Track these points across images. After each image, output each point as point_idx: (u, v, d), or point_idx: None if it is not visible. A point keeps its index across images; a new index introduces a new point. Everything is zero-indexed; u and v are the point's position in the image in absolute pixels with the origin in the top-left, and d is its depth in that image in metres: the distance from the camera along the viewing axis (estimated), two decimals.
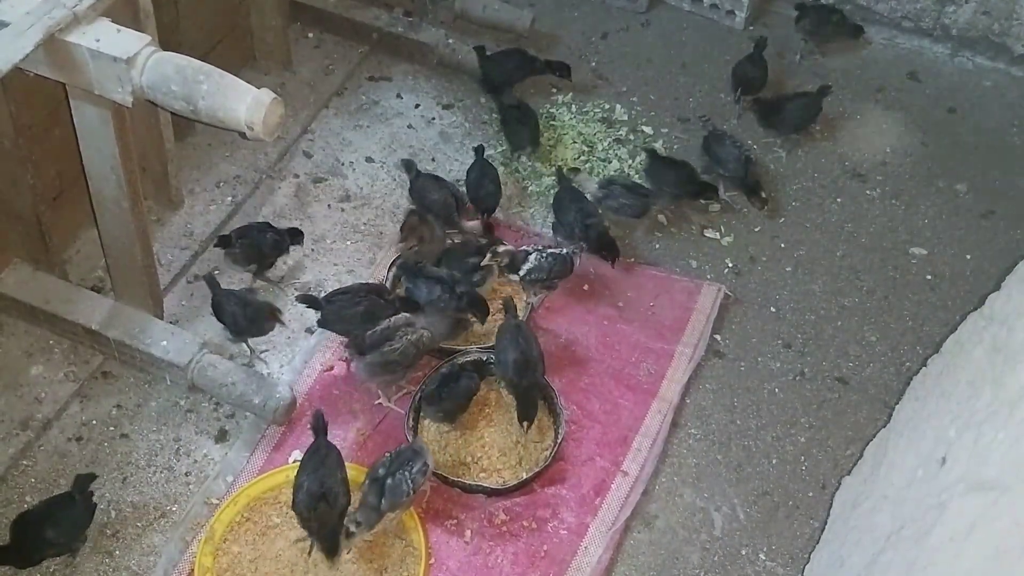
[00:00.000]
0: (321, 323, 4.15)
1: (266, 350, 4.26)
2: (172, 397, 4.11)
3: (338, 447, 3.67)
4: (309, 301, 4.14)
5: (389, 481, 3.60)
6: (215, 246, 4.41)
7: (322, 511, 3.49)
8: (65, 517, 3.59)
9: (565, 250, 4.37)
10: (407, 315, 4.08)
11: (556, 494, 3.93)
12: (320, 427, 3.65)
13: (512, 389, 4.03)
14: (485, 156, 4.82)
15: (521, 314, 4.31)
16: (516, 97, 5.11)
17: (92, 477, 3.72)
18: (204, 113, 3.31)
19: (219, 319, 4.13)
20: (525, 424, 3.96)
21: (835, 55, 5.64)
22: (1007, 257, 4.54)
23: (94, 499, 3.69)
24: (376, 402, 4.11)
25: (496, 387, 4.19)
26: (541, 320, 4.42)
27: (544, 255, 4.30)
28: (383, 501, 3.58)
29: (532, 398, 3.99)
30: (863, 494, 3.56)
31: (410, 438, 3.92)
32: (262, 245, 4.32)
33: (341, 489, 3.55)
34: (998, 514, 2.42)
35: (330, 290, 4.31)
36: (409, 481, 3.62)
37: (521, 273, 4.27)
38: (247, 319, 4.07)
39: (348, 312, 4.08)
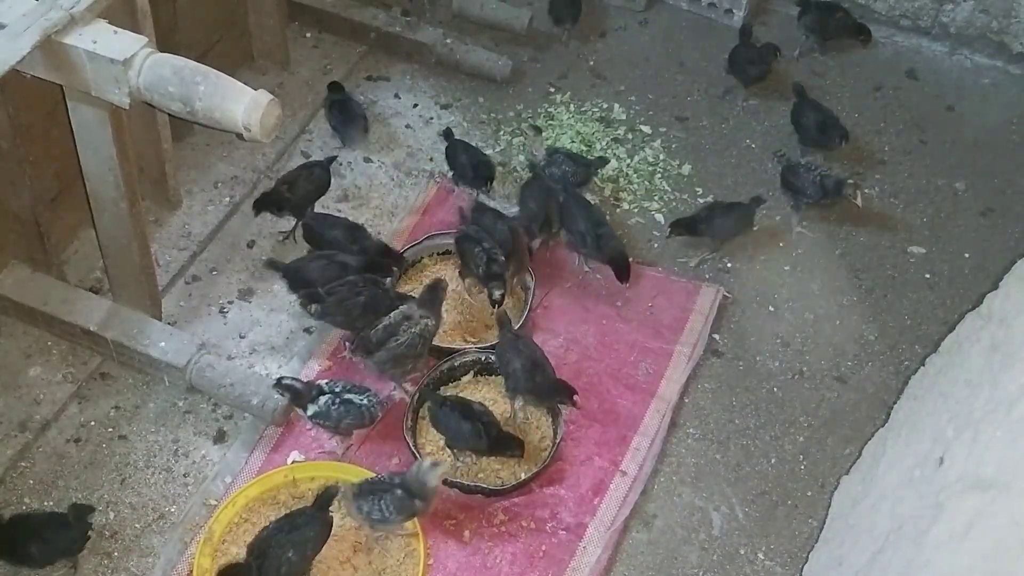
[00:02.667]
0: (320, 315, 4.12)
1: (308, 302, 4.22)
2: (170, 398, 4.11)
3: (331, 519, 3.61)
4: (310, 296, 4.11)
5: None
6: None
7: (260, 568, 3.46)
8: (54, 539, 3.55)
9: (365, 400, 3.90)
10: (404, 309, 4.07)
11: (555, 494, 3.92)
12: (325, 501, 3.58)
13: (532, 396, 4.01)
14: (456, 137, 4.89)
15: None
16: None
17: (91, 510, 3.67)
18: (201, 114, 3.31)
19: None
20: (576, 399, 3.98)
21: (834, 53, 5.63)
22: (1006, 256, 4.54)
23: (90, 531, 3.64)
24: (392, 391, 4.12)
25: (497, 389, 4.19)
26: (539, 320, 4.42)
27: (336, 402, 3.86)
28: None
29: (558, 386, 3.99)
30: (862, 493, 3.56)
31: (408, 439, 3.92)
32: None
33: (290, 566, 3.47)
34: (996, 513, 2.42)
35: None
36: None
37: (308, 413, 3.88)
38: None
39: (348, 303, 4.07)
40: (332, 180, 4.83)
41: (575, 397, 3.96)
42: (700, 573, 3.80)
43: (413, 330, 3.98)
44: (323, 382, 3.93)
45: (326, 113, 5.07)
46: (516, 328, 4.25)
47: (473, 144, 4.91)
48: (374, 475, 3.70)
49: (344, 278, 4.12)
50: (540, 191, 4.57)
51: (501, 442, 3.88)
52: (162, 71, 3.31)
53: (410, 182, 4.92)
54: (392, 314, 4.04)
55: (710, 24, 5.77)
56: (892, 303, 4.63)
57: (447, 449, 3.95)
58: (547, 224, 4.54)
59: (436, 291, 4.11)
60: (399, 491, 3.56)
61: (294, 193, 4.51)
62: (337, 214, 4.64)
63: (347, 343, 4.22)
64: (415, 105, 5.27)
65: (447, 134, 4.91)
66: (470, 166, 4.75)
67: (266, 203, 4.51)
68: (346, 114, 4.96)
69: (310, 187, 4.56)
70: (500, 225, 4.34)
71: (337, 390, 3.87)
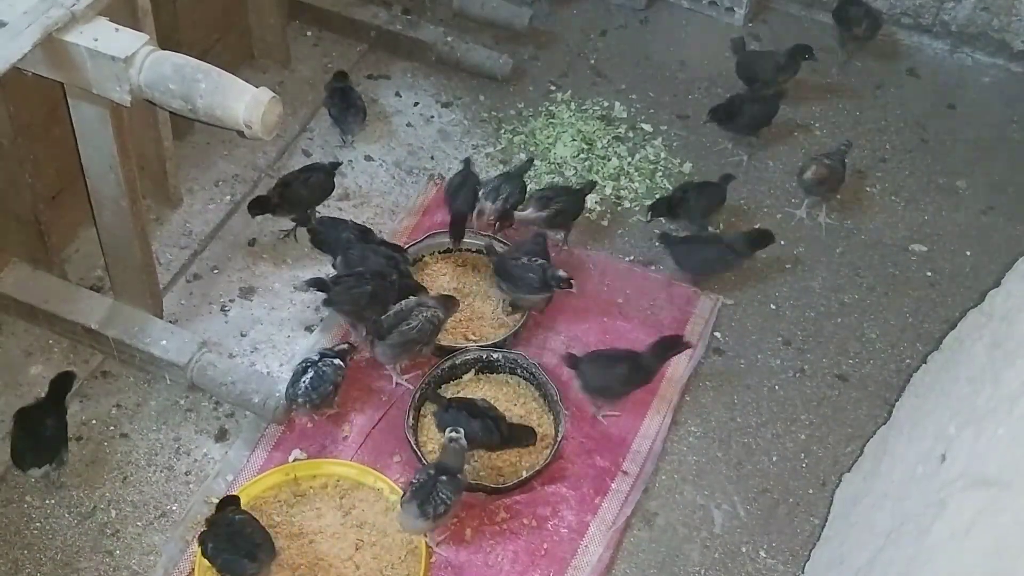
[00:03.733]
0: (327, 303, 4.14)
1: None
2: (172, 396, 4.10)
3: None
4: (318, 284, 4.13)
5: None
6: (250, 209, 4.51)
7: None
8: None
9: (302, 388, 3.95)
10: (416, 298, 4.12)
11: (556, 492, 3.92)
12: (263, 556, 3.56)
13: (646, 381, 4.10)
14: (471, 167, 4.72)
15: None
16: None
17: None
18: (202, 112, 3.31)
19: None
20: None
21: (832, 52, 5.62)
22: (1007, 253, 4.54)
23: None
24: (395, 382, 4.16)
25: (498, 387, 4.20)
26: (541, 317, 4.42)
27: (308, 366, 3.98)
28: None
29: (666, 346, 4.09)
30: (863, 491, 3.56)
31: (410, 437, 3.92)
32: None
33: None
34: (998, 511, 2.41)
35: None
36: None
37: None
38: None
39: (356, 291, 4.08)
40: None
41: (683, 339, 4.17)
42: (702, 571, 3.79)
43: (424, 315, 4.02)
44: (321, 358, 3.99)
45: (326, 100, 5.06)
46: (516, 328, 4.29)
47: (476, 179, 4.66)
48: (412, 482, 3.65)
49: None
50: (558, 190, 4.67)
51: (514, 434, 3.89)
52: (163, 69, 3.30)
53: (411, 180, 4.92)
54: (403, 301, 4.09)
55: (711, 22, 5.77)
56: (893, 301, 4.63)
57: None
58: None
59: (452, 300, 4.19)
60: (444, 476, 3.59)
61: (285, 198, 4.47)
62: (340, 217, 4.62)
63: (366, 334, 4.21)
64: (416, 103, 5.26)
65: (465, 163, 4.75)
66: (449, 206, 4.62)
67: (259, 206, 4.48)
68: (345, 102, 4.97)
69: (305, 191, 4.51)
70: (532, 276, 4.24)
71: (317, 362, 3.96)
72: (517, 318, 4.34)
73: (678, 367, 4.29)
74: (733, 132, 5.12)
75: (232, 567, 3.50)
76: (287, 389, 3.96)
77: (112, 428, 4.01)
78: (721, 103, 5.07)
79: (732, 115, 5.01)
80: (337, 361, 3.99)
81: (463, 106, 5.28)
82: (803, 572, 3.74)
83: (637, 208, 4.89)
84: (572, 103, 5.31)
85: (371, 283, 4.09)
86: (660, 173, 5.03)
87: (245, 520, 3.56)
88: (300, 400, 3.93)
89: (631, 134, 5.20)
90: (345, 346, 4.11)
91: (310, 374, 3.93)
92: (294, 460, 3.93)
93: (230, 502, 3.61)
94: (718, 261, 4.54)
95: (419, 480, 3.62)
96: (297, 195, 4.50)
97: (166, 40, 4.12)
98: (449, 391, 4.11)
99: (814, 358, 4.41)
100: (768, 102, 5.07)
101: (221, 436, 4.02)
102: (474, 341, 4.31)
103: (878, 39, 5.58)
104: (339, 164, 4.79)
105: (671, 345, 4.10)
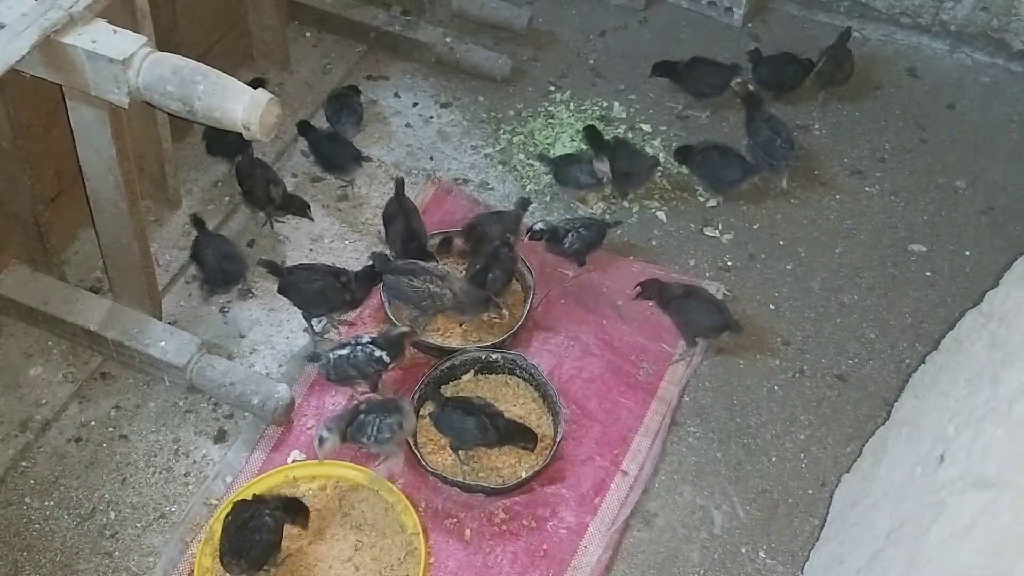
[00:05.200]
0: (280, 290, 4.24)
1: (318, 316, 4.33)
2: (171, 398, 4.11)
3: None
4: (271, 267, 4.24)
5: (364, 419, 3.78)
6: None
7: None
8: None
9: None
10: (447, 270, 4.20)
11: (556, 493, 3.92)
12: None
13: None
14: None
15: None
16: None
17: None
18: (201, 113, 3.31)
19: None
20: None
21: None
22: (1006, 253, 4.53)
23: None
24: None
25: (498, 388, 4.20)
26: (540, 318, 4.42)
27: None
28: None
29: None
30: (863, 492, 3.56)
31: (409, 439, 3.92)
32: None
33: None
34: (997, 511, 2.42)
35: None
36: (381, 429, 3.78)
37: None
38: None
39: (304, 286, 4.16)
40: (332, 179, 4.88)
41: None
42: (701, 571, 3.79)
43: (431, 286, 4.04)
44: (366, 344, 3.97)
45: (324, 103, 5.08)
46: (515, 328, 4.29)
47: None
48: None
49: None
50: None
51: (512, 432, 3.89)
52: (161, 70, 3.31)
53: (410, 181, 4.91)
54: (432, 264, 4.17)
55: (710, 23, 5.77)
56: (893, 301, 4.63)
57: (452, 452, 3.94)
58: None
59: (487, 301, 4.20)
60: (388, 413, 3.75)
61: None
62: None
63: (370, 257, 4.31)
64: (415, 104, 5.27)
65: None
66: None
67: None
68: (342, 103, 4.99)
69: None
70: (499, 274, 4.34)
71: (359, 344, 3.95)
72: (517, 318, 4.34)
73: (677, 368, 4.29)
74: (683, 91, 5.25)
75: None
76: (321, 347, 4.02)
77: (111, 429, 4.01)
78: (671, 60, 5.21)
79: (679, 72, 5.18)
80: (379, 354, 3.92)
81: (462, 107, 5.28)
82: (802, 573, 3.74)
83: (636, 208, 4.89)
84: (571, 103, 5.31)
85: (321, 281, 4.14)
86: (659, 173, 5.02)
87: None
88: (318, 364, 4.00)
89: (630, 134, 5.19)
90: (406, 329, 4.04)
91: (344, 351, 3.94)
92: (293, 461, 3.93)
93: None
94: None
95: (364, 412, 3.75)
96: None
97: (165, 42, 4.13)
98: (448, 392, 4.11)
99: (814, 358, 4.41)
100: (725, 71, 5.14)
101: (220, 437, 4.02)
102: (473, 342, 4.31)
103: (877, 39, 5.60)
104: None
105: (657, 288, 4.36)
